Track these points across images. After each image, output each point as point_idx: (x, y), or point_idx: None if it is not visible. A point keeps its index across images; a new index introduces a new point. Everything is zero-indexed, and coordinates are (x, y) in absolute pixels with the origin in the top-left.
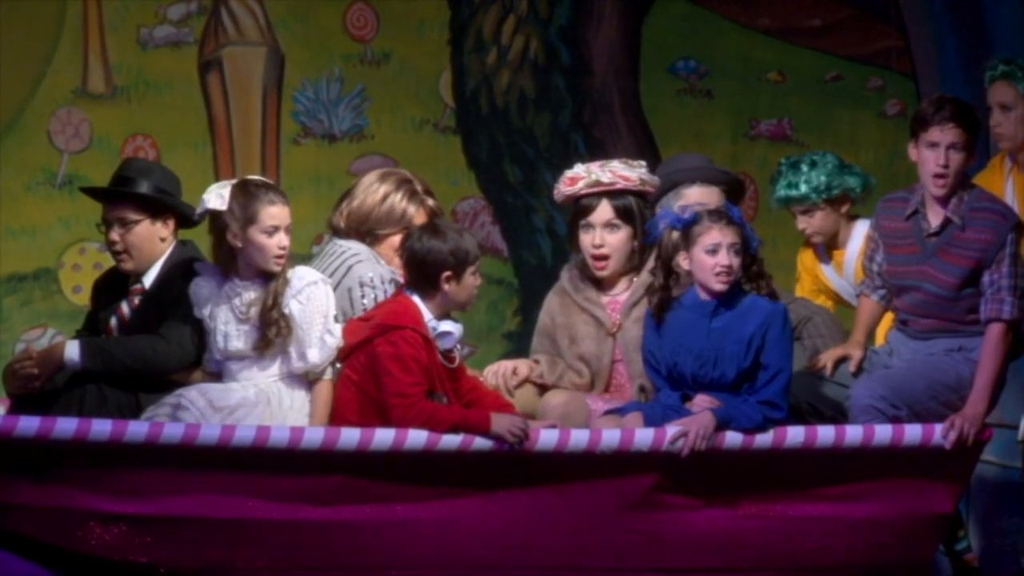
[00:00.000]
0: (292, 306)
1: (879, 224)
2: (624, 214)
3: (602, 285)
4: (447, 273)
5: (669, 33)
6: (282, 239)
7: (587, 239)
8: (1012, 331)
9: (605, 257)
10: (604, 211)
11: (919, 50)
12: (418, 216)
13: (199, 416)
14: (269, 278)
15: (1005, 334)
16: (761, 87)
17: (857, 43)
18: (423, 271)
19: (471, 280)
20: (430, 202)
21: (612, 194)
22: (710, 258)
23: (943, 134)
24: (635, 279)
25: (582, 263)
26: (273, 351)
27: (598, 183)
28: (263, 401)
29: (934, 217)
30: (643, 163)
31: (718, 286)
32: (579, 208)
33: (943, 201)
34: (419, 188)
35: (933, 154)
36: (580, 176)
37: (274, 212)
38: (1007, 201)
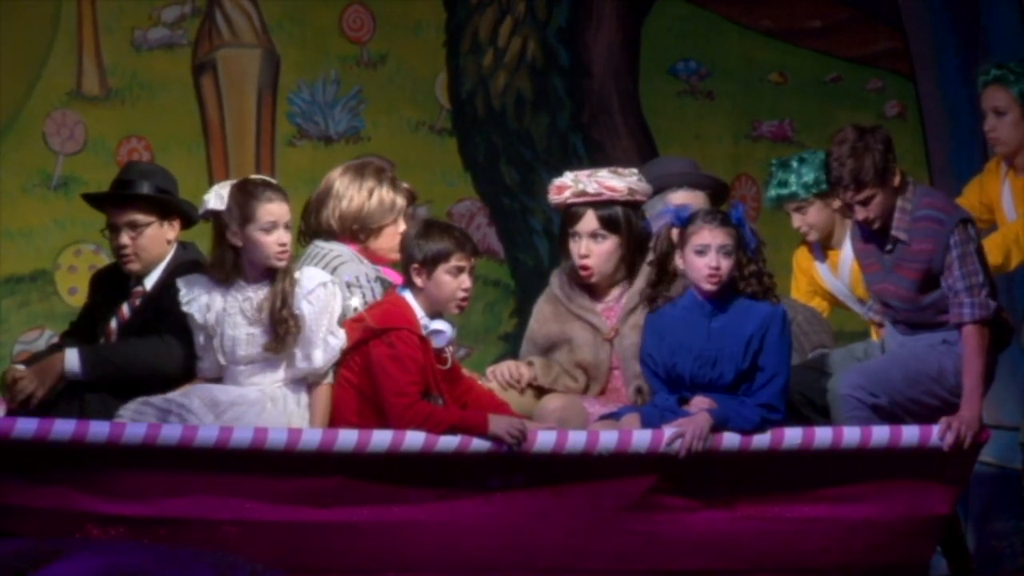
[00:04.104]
0: (303, 307)
1: (852, 245)
2: (609, 224)
3: (595, 293)
4: (415, 266)
5: (669, 34)
6: (281, 235)
7: (574, 247)
8: (987, 326)
9: (589, 267)
10: (589, 221)
11: (918, 51)
12: (401, 201)
13: (197, 418)
14: (275, 279)
15: (978, 333)
16: (763, 88)
17: (857, 44)
18: (402, 261)
19: (446, 279)
20: (405, 185)
21: (598, 204)
22: (699, 259)
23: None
24: (629, 287)
25: (571, 270)
26: (285, 353)
27: (584, 193)
28: (264, 401)
29: (885, 235)
30: (634, 171)
31: (707, 286)
32: (567, 216)
33: (887, 218)
34: (391, 174)
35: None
36: (567, 185)
37: (271, 209)
38: (1004, 205)
